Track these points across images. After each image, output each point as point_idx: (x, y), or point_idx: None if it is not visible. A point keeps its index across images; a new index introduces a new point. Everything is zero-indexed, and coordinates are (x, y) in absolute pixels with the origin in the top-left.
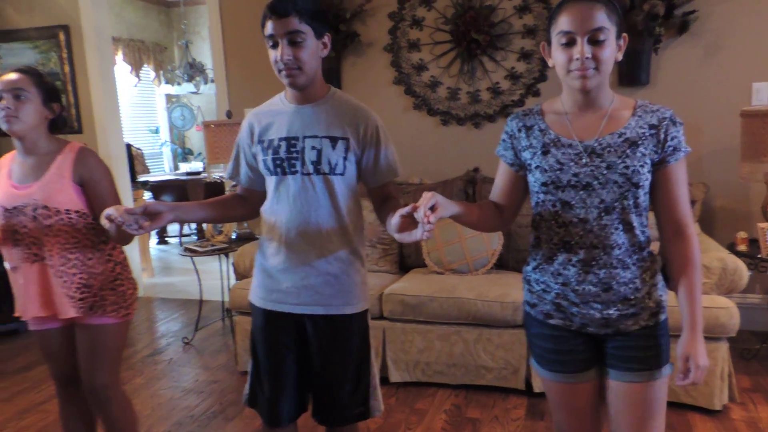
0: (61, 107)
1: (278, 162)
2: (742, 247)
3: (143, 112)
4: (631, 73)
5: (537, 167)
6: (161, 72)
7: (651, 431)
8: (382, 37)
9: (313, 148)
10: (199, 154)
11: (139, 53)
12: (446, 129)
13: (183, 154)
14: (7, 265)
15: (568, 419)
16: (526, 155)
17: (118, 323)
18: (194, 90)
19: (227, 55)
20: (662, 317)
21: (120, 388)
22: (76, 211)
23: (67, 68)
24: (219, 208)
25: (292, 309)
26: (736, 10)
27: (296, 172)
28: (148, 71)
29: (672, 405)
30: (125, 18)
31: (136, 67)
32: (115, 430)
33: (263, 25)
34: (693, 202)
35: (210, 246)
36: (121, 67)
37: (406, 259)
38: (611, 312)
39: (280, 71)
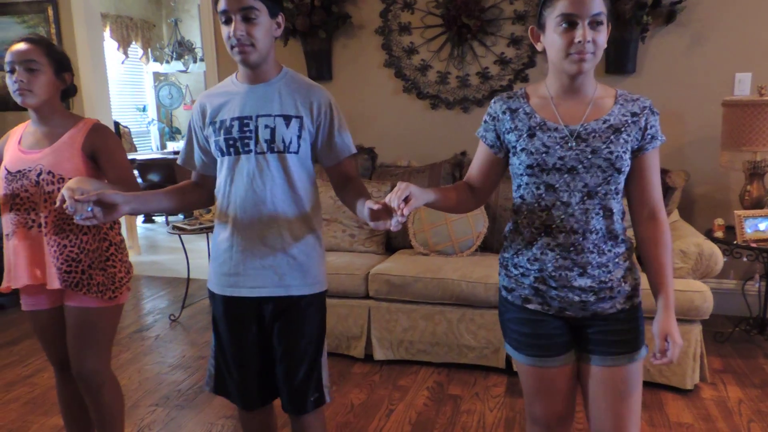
0: (72, 76)
1: (231, 142)
2: (719, 234)
3: (130, 90)
4: (618, 61)
5: (523, 150)
6: (149, 50)
7: (630, 410)
8: (373, 20)
9: (267, 126)
10: None
11: (127, 30)
12: (435, 113)
13: (170, 132)
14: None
15: (544, 404)
16: (510, 138)
17: (104, 307)
18: (183, 69)
19: (217, 34)
20: (637, 300)
21: (110, 374)
22: None
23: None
24: (176, 196)
25: (251, 293)
26: (723, 2)
27: (250, 151)
28: (135, 49)
29: (645, 384)
30: None
31: (124, 44)
32: (104, 415)
33: (216, 1)
34: (673, 189)
35: (198, 224)
36: (109, 44)
37: (393, 241)
38: (589, 296)
39: (232, 47)
